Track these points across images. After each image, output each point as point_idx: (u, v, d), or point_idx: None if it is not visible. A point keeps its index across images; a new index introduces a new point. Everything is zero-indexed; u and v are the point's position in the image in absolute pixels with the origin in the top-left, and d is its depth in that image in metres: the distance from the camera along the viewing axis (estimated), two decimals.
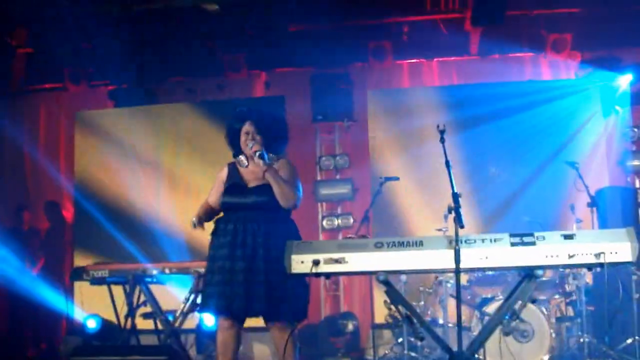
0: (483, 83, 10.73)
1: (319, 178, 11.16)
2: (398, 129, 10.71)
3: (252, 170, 5.62)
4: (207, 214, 5.70)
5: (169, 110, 11.64)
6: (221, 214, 5.67)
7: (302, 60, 11.26)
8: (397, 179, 9.00)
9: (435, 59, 11.27)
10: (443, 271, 6.91)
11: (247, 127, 5.61)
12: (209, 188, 5.84)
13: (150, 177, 11.17)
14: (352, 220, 10.78)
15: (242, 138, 5.62)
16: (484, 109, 10.35)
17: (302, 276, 4.84)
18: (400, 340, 8.34)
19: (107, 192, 11.05)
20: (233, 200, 5.55)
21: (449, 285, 8.39)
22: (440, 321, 8.48)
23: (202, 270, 7.37)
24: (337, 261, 4.72)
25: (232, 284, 5.33)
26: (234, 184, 5.63)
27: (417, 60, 11.33)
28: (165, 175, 11.14)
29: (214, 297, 5.39)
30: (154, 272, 7.79)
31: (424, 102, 10.62)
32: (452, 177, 4.91)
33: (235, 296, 5.30)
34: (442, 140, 5.22)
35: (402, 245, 4.76)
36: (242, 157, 5.63)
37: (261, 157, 5.43)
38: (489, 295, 8.15)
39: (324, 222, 10.91)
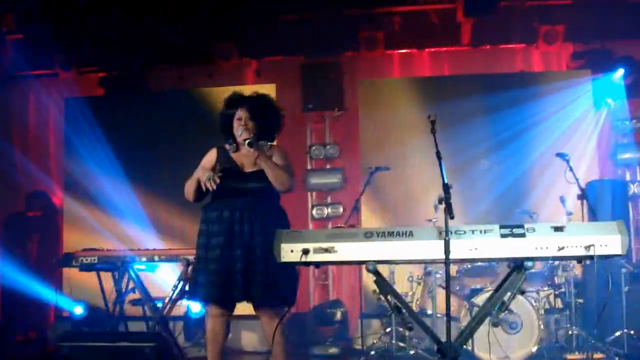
0: (474, 74, 10.74)
1: (309, 167, 11.15)
2: (389, 119, 10.74)
3: (246, 155, 5.62)
4: (198, 190, 5.63)
5: (159, 98, 11.64)
6: (209, 200, 5.65)
7: (292, 49, 11.26)
8: (388, 169, 9.00)
9: (426, 50, 11.26)
10: (433, 261, 6.95)
11: (240, 113, 5.61)
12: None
13: (141, 164, 11.13)
14: (341, 210, 10.80)
15: (235, 124, 5.62)
16: (475, 100, 10.38)
17: (292, 264, 4.84)
18: (388, 330, 8.34)
19: (97, 179, 11.01)
20: (229, 186, 5.52)
21: (437, 275, 8.41)
22: (429, 311, 8.50)
23: (192, 257, 7.40)
24: (326, 250, 4.69)
25: (230, 273, 5.32)
26: (229, 168, 5.60)
27: (408, 51, 11.32)
28: (155, 162, 11.10)
29: (208, 286, 5.37)
30: (143, 259, 7.80)
31: (414, 93, 10.62)
32: (443, 168, 4.89)
33: (234, 285, 5.30)
34: (433, 131, 5.18)
35: (391, 235, 4.73)
36: (228, 145, 5.68)
37: (250, 145, 5.44)
38: (478, 286, 8.17)
39: (314, 211, 10.92)
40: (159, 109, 11.32)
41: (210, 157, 5.72)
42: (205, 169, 5.60)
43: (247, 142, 5.46)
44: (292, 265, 4.87)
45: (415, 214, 9.67)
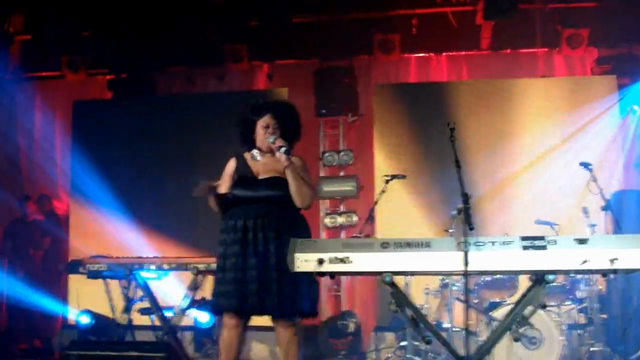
0: (494, 80, 10.74)
1: (321, 174, 11.14)
2: (405, 125, 10.70)
3: (262, 162, 5.62)
4: (219, 201, 5.64)
5: (168, 101, 11.69)
6: (229, 209, 5.66)
7: (305, 52, 11.29)
8: (404, 177, 8.97)
9: (444, 53, 11.27)
10: (451, 273, 6.93)
11: (267, 119, 5.58)
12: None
13: (150, 169, 11.19)
14: (355, 219, 10.78)
15: (260, 131, 5.59)
16: (493, 106, 10.37)
17: (308, 274, 4.85)
18: (403, 343, 8.34)
19: (104, 184, 11.04)
20: (243, 194, 5.52)
21: (455, 288, 8.38)
22: (446, 325, 8.46)
23: (202, 266, 7.46)
24: (341, 260, 4.68)
25: (245, 282, 5.32)
26: (243, 176, 5.60)
27: (426, 54, 11.33)
28: (164, 166, 11.14)
29: (224, 295, 5.38)
30: (152, 266, 7.81)
31: (432, 98, 10.62)
32: (462, 177, 4.90)
33: (249, 294, 5.30)
34: (452, 139, 5.19)
35: (409, 246, 4.72)
36: (255, 151, 5.65)
37: (286, 152, 5.42)
38: (497, 300, 8.13)
39: (326, 220, 10.91)
40: (167, 112, 11.32)
41: (229, 167, 5.72)
42: (225, 180, 5.65)
43: (283, 150, 5.43)
44: (309, 275, 4.88)
45: (432, 224, 9.68)
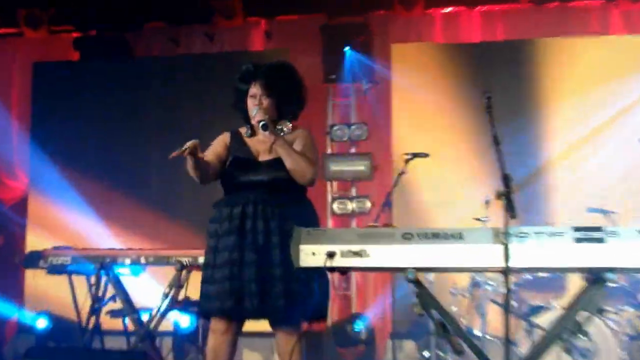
0: (537, 39, 10.65)
1: (329, 151, 11.13)
2: (429, 94, 10.64)
3: (260, 140, 5.57)
4: (207, 171, 5.51)
5: (147, 65, 11.65)
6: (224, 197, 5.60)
7: (311, 6, 11.23)
8: (427, 155, 8.91)
9: (477, 8, 11.16)
10: (487, 270, 6.87)
11: (253, 88, 5.56)
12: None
13: (125, 146, 11.14)
14: (369, 205, 10.72)
15: (249, 103, 5.57)
16: (534, 71, 10.30)
17: (316, 269, 4.79)
18: (426, 354, 8.30)
19: (70, 163, 10.99)
20: (241, 178, 5.47)
21: (488, 287, 8.34)
22: (477, 332, 8.43)
23: (186, 260, 7.43)
24: (356, 254, 4.66)
25: (241, 280, 5.26)
26: (240, 158, 5.54)
27: (454, 9, 11.24)
28: (142, 142, 11.09)
29: (213, 296, 5.31)
30: (127, 260, 7.79)
31: (462, 62, 10.57)
32: (501, 156, 4.83)
33: (246, 295, 5.23)
34: (489, 110, 5.12)
35: (436, 237, 4.69)
36: (244, 129, 5.64)
37: (264, 128, 5.38)
38: (540, 303, 8.10)
39: (335, 206, 10.86)
40: (146, 78, 11.33)
41: (220, 141, 5.66)
42: (213, 153, 5.57)
43: (261, 124, 5.40)
44: (320, 270, 4.82)
45: (460, 211, 9.60)
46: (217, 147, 5.64)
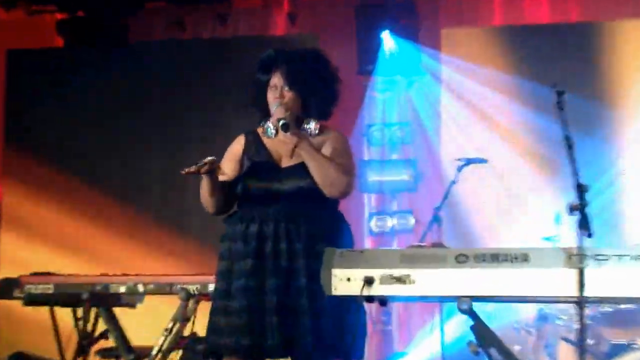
0: (618, 22, 10.65)
1: (365, 157, 11.18)
2: (486, 87, 10.68)
3: (282, 142, 5.43)
4: (222, 196, 5.53)
5: (146, 52, 11.71)
6: (235, 209, 5.57)
7: None
8: (484, 161, 8.94)
9: None
10: (557, 300, 6.84)
11: (274, 79, 5.48)
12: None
13: (120, 147, 11.21)
14: (413, 221, 10.79)
15: (269, 96, 5.51)
16: (614, 59, 10.31)
17: (351, 299, 4.80)
18: None
19: (53, 166, 11.03)
20: (257, 188, 5.43)
21: (559, 322, 8.32)
22: None
23: (194, 287, 7.41)
24: (399, 280, 4.66)
25: (262, 313, 5.25)
26: (258, 163, 5.49)
27: None
28: (139, 143, 11.12)
29: (232, 332, 5.27)
30: (122, 288, 7.77)
31: (526, 49, 10.63)
32: (574, 161, 4.82)
33: (266, 330, 5.20)
34: (560, 106, 5.12)
35: (496, 260, 4.68)
36: (269, 124, 5.51)
37: (284, 128, 5.33)
38: (622, 341, 8.06)
39: (373, 223, 10.92)
40: (146, 68, 11.43)
41: (235, 148, 5.63)
42: (228, 164, 5.56)
43: (281, 123, 5.33)
44: (353, 299, 4.84)
45: (525, 229, 9.59)
46: (230, 163, 5.59)
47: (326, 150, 5.45)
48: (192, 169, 5.20)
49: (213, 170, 5.32)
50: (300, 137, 5.33)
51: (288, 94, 5.44)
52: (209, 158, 5.24)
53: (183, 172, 5.22)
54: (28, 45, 11.85)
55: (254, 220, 5.37)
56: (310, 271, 5.17)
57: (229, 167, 5.56)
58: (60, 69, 11.45)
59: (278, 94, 5.44)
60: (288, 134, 5.28)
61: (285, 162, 5.48)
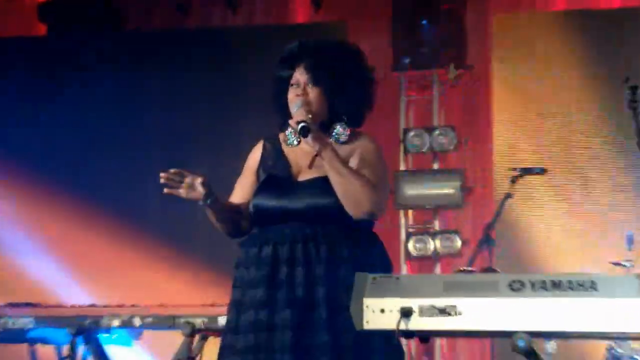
0: None
1: (402, 167, 11.20)
2: (545, 83, 10.72)
3: (305, 151, 5.31)
4: (237, 221, 5.56)
5: (143, 42, 11.79)
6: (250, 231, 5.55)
7: None
8: (543, 170, 8.94)
9: None
10: (631, 336, 6.84)
11: (296, 74, 5.38)
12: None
13: (114, 153, 11.26)
14: (459, 243, 10.75)
15: (289, 95, 5.43)
16: None
17: (385, 334, 4.79)
18: None
19: (32, 174, 11.09)
20: (272, 205, 5.37)
21: None
22: None
23: (200, 320, 7.43)
24: (442, 311, 4.64)
25: (270, 353, 5.21)
26: (274, 176, 5.43)
27: None
28: (133, 148, 11.17)
29: None
30: (115, 322, 7.81)
31: (592, 37, 10.60)
32: None
33: None
34: (634, 104, 5.13)
35: (558, 287, 4.63)
36: (290, 130, 5.45)
37: (303, 132, 5.23)
38: None
39: (411, 245, 10.88)
40: (143, 60, 11.48)
41: (252, 159, 5.58)
42: (246, 181, 5.54)
43: (300, 126, 5.26)
44: (387, 335, 4.83)
45: (592, 252, 9.60)
46: (250, 178, 5.52)
47: (353, 161, 5.31)
48: (177, 192, 5.15)
49: (210, 195, 5.23)
50: (323, 143, 5.16)
51: (312, 92, 5.32)
52: (198, 179, 5.13)
53: (166, 191, 5.16)
54: (4, 33, 11.91)
55: (267, 243, 5.27)
56: (331, 302, 5.10)
57: (247, 184, 5.50)
58: (42, 60, 11.47)
59: (300, 91, 5.32)
60: (309, 139, 5.11)
61: (302, 176, 5.38)
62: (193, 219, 9.78)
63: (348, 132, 5.33)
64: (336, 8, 11.44)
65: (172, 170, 5.13)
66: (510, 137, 10.66)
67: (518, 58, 10.79)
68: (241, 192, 5.50)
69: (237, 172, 5.57)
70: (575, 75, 10.40)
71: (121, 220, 10.90)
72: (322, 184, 5.25)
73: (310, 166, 5.20)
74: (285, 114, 5.36)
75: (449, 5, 11.02)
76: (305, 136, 5.08)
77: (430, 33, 11.04)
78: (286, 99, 5.38)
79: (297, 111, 5.20)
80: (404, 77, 11.31)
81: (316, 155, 5.13)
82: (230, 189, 5.50)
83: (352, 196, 5.19)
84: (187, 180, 5.12)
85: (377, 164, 5.36)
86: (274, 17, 11.68)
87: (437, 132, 10.97)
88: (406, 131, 11.08)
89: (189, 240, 10.44)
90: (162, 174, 5.08)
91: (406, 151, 11.10)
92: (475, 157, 11.01)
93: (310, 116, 5.14)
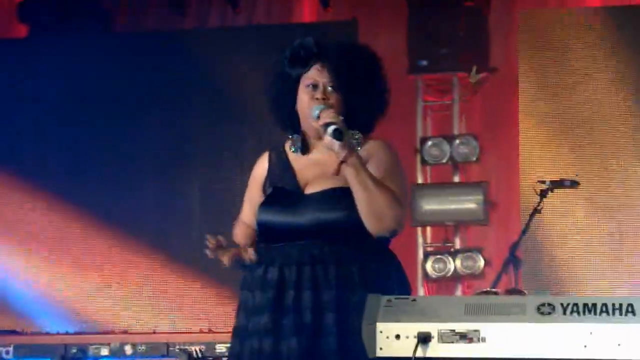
0: None
1: (420, 180, 11.19)
2: (578, 86, 10.69)
3: (314, 161, 5.29)
4: (250, 239, 5.50)
5: (135, 45, 11.77)
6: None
7: None
8: (576, 183, 8.91)
9: None
10: None
11: (314, 74, 5.33)
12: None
13: (104, 162, 11.27)
14: (482, 264, 10.72)
15: (304, 97, 5.32)
16: None
17: None
18: None
19: (19, 186, 11.11)
20: (277, 222, 5.36)
21: None
22: None
23: (198, 348, 7.41)
24: (464, 337, 4.62)
25: None
26: (280, 190, 5.39)
27: None
28: (123, 158, 11.14)
29: None
30: (105, 350, 7.80)
31: (629, 34, 10.60)
32: None
33: None
34: None
35: (590, 311, 4.63)
36: (297, 137, 5.40)
37: (336, 134, 5.15)
38: None
39: (429, 265, 10.86)
40: (135, 64, 11.44)
41: (258, 173, 5.54)
42: (252, 200, 5.50)
43: (332, 129, 5.17)
44: None
45: (630, 272, 9.58)
46: (256, 193, 5.42)
47: (371, 169, 5.13)
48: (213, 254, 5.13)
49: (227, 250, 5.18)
50: (350, 152, 5.00)
51: (333, 96, 5.21)
52: (212, 240, 5.09)
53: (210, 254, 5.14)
54: None
55: (273, 264, 5.23)
56: (341, 329, 5.06)
57: (255, 200, 5.41)
58: (23, 64, 11.49)
59: (320, 94, 5.19)
60: (336, 145, 4.93)
61: (311, 187, 5.28)
62: (187, 238, 9.88)
63: (360, 139, 5.22)
64: (346, 6, 11.43)
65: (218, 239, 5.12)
66: (539, 146, 10.64)
67: (546, 59, 10.78)
68: (251, 211, 5.43)
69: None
70: (610, 77, 10.38)
71: (115, 230, 10.90)
72: (331, 197, 5.19)
73: (337, 173, 5.05)
74: (290, 117, 5.31)
75: (471, 2, 11.02)
76: (340, 140, 4.91)
77: (450, 32, 11.02)
78: (293, 99, 5.27)
79: (325, 112, 5.03)
80: (421, 81, 11.29)
81: (342, 162, 4.97)
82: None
83: (375, 212, 5.10)
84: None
85: (398, 173, 5.29)
86: (278, 17, 11.68)
87: (457, 141, 10.95)
88: (423, 140, 11.06)
89: (187, 258, 10.40)
90: (210, 240, 5.08)
91: (424, 162, 11.07)
92: (499, 169, 10.98)
93: (342, 118, 5.03)
